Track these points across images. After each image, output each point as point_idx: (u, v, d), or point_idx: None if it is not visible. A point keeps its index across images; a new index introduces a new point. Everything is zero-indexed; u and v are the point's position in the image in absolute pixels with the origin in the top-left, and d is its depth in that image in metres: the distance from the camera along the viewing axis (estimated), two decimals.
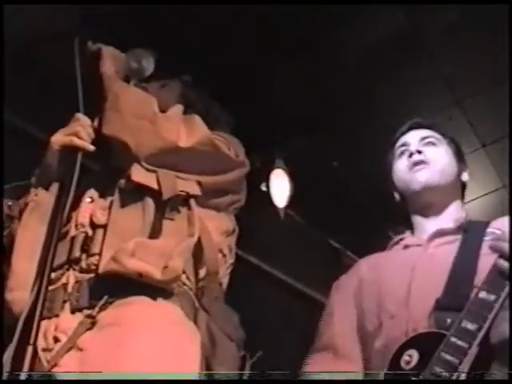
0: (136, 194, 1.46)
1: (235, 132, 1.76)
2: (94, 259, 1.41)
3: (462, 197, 1.75)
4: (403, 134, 1.78)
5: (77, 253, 1.43)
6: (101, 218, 1.46)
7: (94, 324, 1.32)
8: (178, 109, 1.65)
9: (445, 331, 1.32)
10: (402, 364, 1.35)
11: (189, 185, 1.51)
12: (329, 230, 3.99)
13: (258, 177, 3.37)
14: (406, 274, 1.55)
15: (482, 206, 3.63)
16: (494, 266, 1.34)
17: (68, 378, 1.24)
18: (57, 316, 1.36)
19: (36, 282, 1.24)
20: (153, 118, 1.51)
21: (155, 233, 1.42)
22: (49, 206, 1.41)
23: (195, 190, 1.52)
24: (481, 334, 1.27)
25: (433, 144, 1.72)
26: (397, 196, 1.77)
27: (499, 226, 1.53)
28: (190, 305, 1.41)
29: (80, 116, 1.51)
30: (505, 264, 1.33)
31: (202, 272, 1.48)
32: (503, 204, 3.62)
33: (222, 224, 1.61)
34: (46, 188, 1.52)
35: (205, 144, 1.55)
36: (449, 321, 1.34)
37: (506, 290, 1.30)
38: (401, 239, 1.72)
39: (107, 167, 1.63)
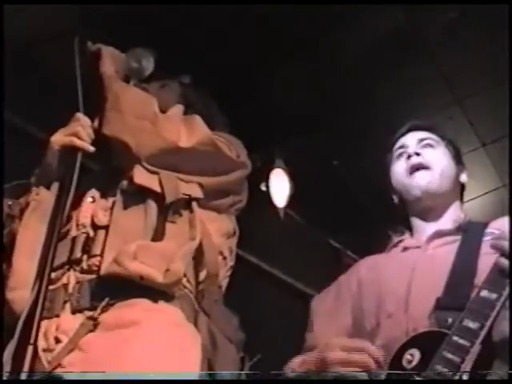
0: (138, 195, 1.46)
1: (235, 132, 1.76)
2: (95, 260, 1.41)
3: (461, 198, 1.75)
4: (401, 135, 1.78)
5: (78, 253, 1.43)
6: (102, 219, 1.46)
7: (95, 326, 1.32)
8: (178, 109, 1.65)
9: (446, 330, 1.32)
10: (404, 363, 1.35)
11: (191, 187, 1.51)
12: (329, 229, 3.99)
13: (258, 176, 3.37)
14: (406, 275, 1.55)
15: (481, 205, 3.63)
16: (495, 265, 1.35)
17: (70, 378, 1.24)
18: (57, 316, 1.35)
19: (36, 282, 1.24)
20: (153, 119, 1.51)
21: (157, 235, 1.42)
22: (50, 205, 1.41)
23: (197, 192, 1.52)
24: (483, 333, 1.27)
25: (431, 146, 1.72)
26: (395, 199, 1.77)
27: (498, 226, 1.53)
28: (191, 307, 1.41)
29: (80, 116, 1.51)
30: (506, 263, 1.33)
31: (202, 275, 1.47)
32: (503, 203, 3.62)
33: (223, 226, 1.60)
34: (47, 187, 1.51)
35: (205, 144, 1.54)
36: (450, 320, 1.34)
37: (508, 288, 1.30)
38: (400, 241, 1.72)
39: (108, 167, 1.63)
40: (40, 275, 1.25)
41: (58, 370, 1.26)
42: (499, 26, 2.51)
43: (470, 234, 1.56)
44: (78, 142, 1.46)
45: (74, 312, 1.36)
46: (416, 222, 1.70)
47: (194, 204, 1.50)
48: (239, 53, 2.80)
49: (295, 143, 3.33)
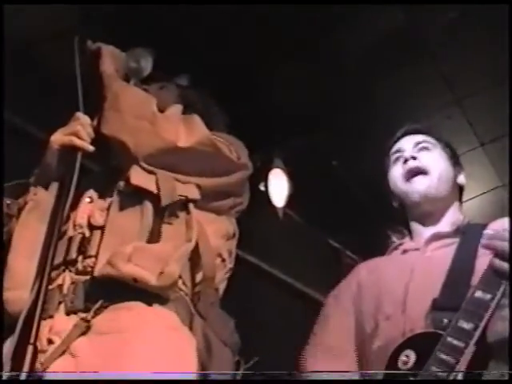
0: (135, 196, 1.45)
1: (234, 132, 1.76)
2: (90, 261, 1.40)
3: (460, 199, 1.75)
4: (398, 139, 1.78)
5: (73, 254, 1.42)
6: (99, 220, 1.46)
7: (88, 328, 1.31)
8: (177, 108, 1.64)
9: (441, 331, 1.33)
10: (400, 365, 1.35)
11: (188, 189, 1.50)
12: (328, 229, 3.99)
13: (257, 176, 3.36)
14: (404, 276, 1.55)
15: (480, 204, 3.64)
16: (490, 266, 1.35)
17: (64, 378, 1.24)
18: (51, 317, 1.35)
19: (36, 281, 1.24)
20: (152, 118, 1.50)
21: (153, 237, 1.41)
22: (48, 206, 1.41)
23: (194, 194, 1.50)
24: (477, 334, 1.27)
25: (427, 149, 1.72)
26: (395, 203, 1.77)
27: (496, 227, 1.54)
28: (186, 310, 1.40)
29: (80, 115, 1.51)
30: (500, 263, 1.33)
31: (199, 277, 1.46)
32: (502, 203, 3.62)
33: (222, 227, 1.59)
34: (46, 187, 1.51)
35: (204, 144, 1.53)
36: (445, 321, 1.35)
37: (502, 289, 1.31)
38: (400, 244, 1.73)
39: (107, 167, 1.63)
40: (40, 274, 1.25)
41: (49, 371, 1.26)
42: (499, 26, 2.51)
43: (469, 235, 1.57)
44: (77, 142, 1.46)
45: (68, 313, 1.35)
46: (415, 225, 1.70)
47: (191, 205, 1.48)
48: (239, 53, 2.79)
49: (294, 143, 3.33)
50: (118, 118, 1.50)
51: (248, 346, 1.51)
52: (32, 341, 1.17)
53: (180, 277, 1.39)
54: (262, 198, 3.39)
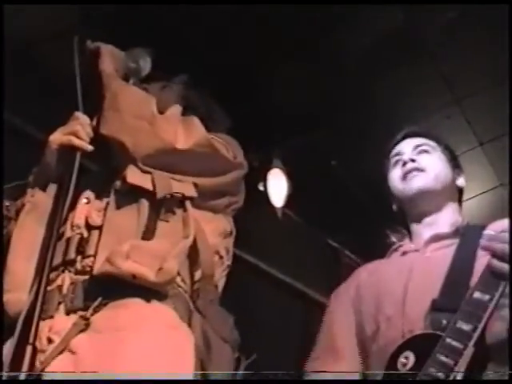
0: (131, 195, 1.46)
1: (233, 131, 1.76)
2: (88, 261, 1.40)
3: (459, 201, 1.75)
4: (397, 142, 1.78)
5: (72, 254, 1.43)
6: (96, 220, 1.46)
7: (87, 326, 1.31)
8: (176, 109, 1.64)
9: (440, 332, 1.33)
10: (399, 366, 1.35)
11: (184, 186, 1.50)
12: (327, 229, 3.99)
13: (256, 176, 3.37)
14: (404, 276, 1.56)
15: (479, 204, 3.64)
16: (488, 266, 1.35)
17: (64, 378, 1.24)
18: (51, 317, 1.35)
19: (35, 282, 1.24)
20: (151, 119, 1.50)
21: (150, 234, 1.41)
22: (46, 207, 1.41)
23: (191, 191, 1.51)
24: (476, 335, 1.27)
25: (426, 152, 1.72)
26: (394, 207, 1.77)
27: (496, 228, 1.54)
28: (185, 307, 1.40)
29: (79, 115, 1.50)
30: (498, 264, 1.33)
31: (198, 274, 1.46)
32: (501, 202, 3.63)
33: (219, 225, 1.60)
34: (43, 189, 1.51)
35: (203, 145, 1.54)
36: (444, 322, 1.35)
37: (500, 289, 1.31)
38: (399, 246, 1.73)
39: (104, 167, 1.62)
40: (39, 275, 1.25)
41: (48, 370, 1.26)
42: (499, 26, 2.51)
43: (468, 236, 1.57)
44: (76, 142, 1.46)
45: (68, 313, 1.36)
46: (415, 227, 1.70)
47: (188, 203, 1.49)
48: (239, 53, 2.80)
49: (294, 143, 3.33)
50: (117, 117, 1.50)
51: (246, 345, 1.52)
52: (31, 341, 1.17)
53: (179, 274, 1.40)
54: (261, 198, 3.40)
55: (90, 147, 1.47)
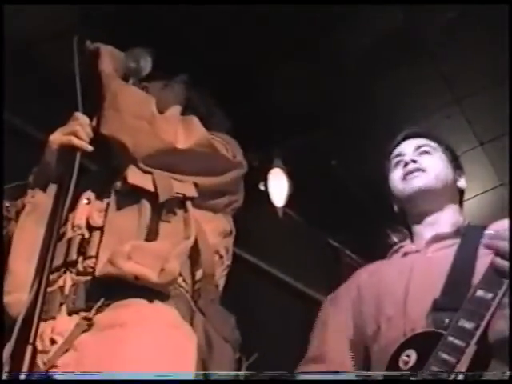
0: (132, 196, 1.45)
1: (234, 131, 1.76)
2: (90, 262, 1.40)
3: (461, 202, 1.75)
4: (398, 143, 1.78)
5: (73, 255, 1.42)
6: (97, 220, 1.45)
7: (90, 326, 1.31)
8: (176, 109, 1.64)
9: (442, 331, 1.32)
10: (401, 364, 1.35)
11: (185, 187, 1.50)
12: (327, 229, 3.99)
13: (257, 176, 3.37)
14: (404, 276, 1.55)
15: (479, 204, 3.64)
16: (491, 265, 1.35)
17: (67, 378, 1.24)
18: (53, 318, 1.35)
19: (35, 282, 1.24)
20: (151, 119, 1.50)
21: (151, 235, 1.41)
22: (46, 208, 1.40)
23: (192, 191, 1.50)
24: (478, 333, 1.27)
25: (427, 153, 1.72)
26: (395, 207, 1.77)
27: (497, 227, 1.54)
28: (187, 307, 1.40)
29: (79, 115, 1.50)
30: (501, 262, 1.33)
31: (199, 274, 1.47)
32: (501, 202, 3.63)
33: (219, 225, 1.60)
34: (44, 189, 1.50)
35: (202, 145, 1.54)
36: (446, 321, 1.34)
37: (504, 288, 1.30)
38: (400, 247, 1.73)
39: (105, 168, 1.62)
40: (39, 276, 1.24)
41: (53, 371, 1.26)
42: (499, 26, 2.52)
43: (469, 237, 1.57)
44: (76, 142, 1.46)
45: (70, 314, 1.35)
46: (415, 227, 1.70)
47: (189, 203, 1.49)
48: (239, 53, 2.80)
49: (294, 143, 3.34)
50: (116, 117, 1.50)
51: (246, 345, 1.51)
52: (31, 341, 1.16)
53: (180, 274, 1.39)
54: (261, 198, 3.40)
55: (89, 147, 1.47)
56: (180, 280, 1.42)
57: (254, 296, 3.29)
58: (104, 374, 1.21)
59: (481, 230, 1.56)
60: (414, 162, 1.68)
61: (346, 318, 1.63)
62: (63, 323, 1.34)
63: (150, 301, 1.35)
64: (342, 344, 1.60)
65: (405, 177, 1.67)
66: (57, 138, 1.50)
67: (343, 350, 1.59)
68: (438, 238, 1.62)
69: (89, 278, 1.38)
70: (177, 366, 1.27)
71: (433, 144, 1.75)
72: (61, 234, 1.41)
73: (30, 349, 1.15)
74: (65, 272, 1.41)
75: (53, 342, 1.32)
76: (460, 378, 1.23)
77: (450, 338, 1.29)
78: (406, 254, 1.68)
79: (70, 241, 1.45)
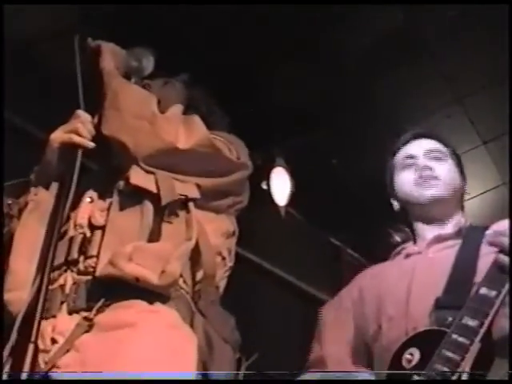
0: (135, 196, 1.44)
1: (235, 131, 1.76)
2: (91, 261, 1.39)
3: (462, 203, 1.75)
4: (405, 143, 1.77)
5: (75, 254, 1.42)
6: (99, 220, 1.45)
7: (91, 326, 1.31)
8: (177, 109, 1.62)
9: (445, 329, 1.32)
10: (404, 363, 1.34)
11: (188, 188, 1.49)
12: (329, 227, 3.99)
13: (259, 175, 3.37)
14: (406, 277, 1.56)
15: (481, 203, 3.64)
16: (495, 262, 1.35)
17: (68, 378, 1.23)
18: (54, 317, 1.34)
19: (36, 280, 1.24)
20: (152, 119, 1.48)
21: (154, 236, 1.40)
22: (49, 206, 1.40)
23: (194, 193, 1.49)
24: (482, 330, 1.27)
25: (439, 159, 1.71)
26: (396, 205, 1.76)
27: (498, 228, 1.53)
28: (187, 308, 1.40)
29: (80, 113, 1.49)
30: (505, 259, 1.33)
31: (199, 275, 1.45)
32: (503, 201, 3.62)
33: (222, 226, 1.58)
34: (46, 187, 1.50)
35: (204, 145, 1.52)
36: (450, 319, 1.34)
37: (507, 285, 1.30)
38: (403, 248, 1.73)
39: (107, 167, 1.61)
40: (40, 274, 1.24)
41: (54, 371, 1.26)
42: (499, 26, 2.52)
43: (471, 237, 1.57)
44: (77, 139, 1.45)
45: (70, 313, 1.35)
46: (417, 227, 1.70)
47: (191, 204, 1.47)
48: (239, 53, 2.80)
49: (295, 142, 3.34)
50: (117, 117, 1.49)
51: (247, 344, 1.51)
52: (33, 339, 1.16)
53: (181, 275, 1.39)
54: (264, 197, 3.40)
55: (91, 144, 1.46)
56: (181, 281, 1.41)
57: (255, 295, 3.29)
58: (105, 375, 1.20)
59: (482, 231, 1.56)
60: (430, 169, 1.67)
61: (347, 319, 1.63)
62: (64, 322, 1.33)
63: (151, 302, 1.34)
64: (342, 347, 1.60)
65: (419, 183, 1.67)
66: (58, 136, 1.49)
67: (343, 352, 1.59)
68: (439, 239, 1.63)
69: (89, 277, 1.38)
70: (177, 367, 1.26)
71: (443, 149, 1.74)
72: (62, 233, 1.41)
73: (31, 347, 1.15)
74: (66, 271, 1.41)
75: (54, 341, 1.31)
76: (464, 375, 1.23)
77: (454, 336, 1.29)
78: (408, 256, 1.67)
79: (71, 239, 1.44)
